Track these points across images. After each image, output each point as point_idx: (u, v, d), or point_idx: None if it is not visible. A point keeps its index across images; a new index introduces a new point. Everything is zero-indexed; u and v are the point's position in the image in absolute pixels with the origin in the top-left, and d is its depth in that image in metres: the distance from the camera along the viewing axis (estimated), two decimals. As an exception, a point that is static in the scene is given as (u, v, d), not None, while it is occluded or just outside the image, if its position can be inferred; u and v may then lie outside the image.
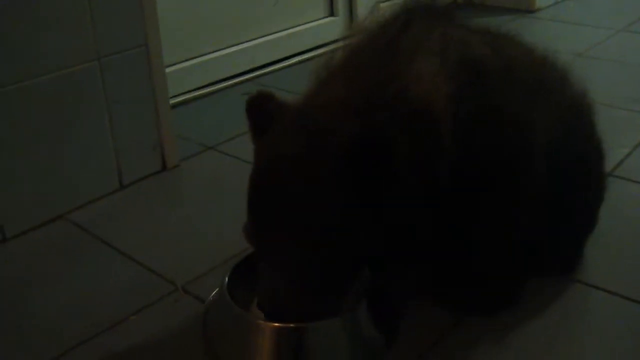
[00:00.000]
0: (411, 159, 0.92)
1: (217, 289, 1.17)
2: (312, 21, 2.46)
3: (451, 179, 0.97)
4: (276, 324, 1.03)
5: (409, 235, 1.01)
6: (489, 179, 1.02)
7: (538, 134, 1.06)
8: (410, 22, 1.04)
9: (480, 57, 1.03)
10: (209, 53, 2.18)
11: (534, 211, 1.08)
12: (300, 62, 2.36)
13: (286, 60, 2.36)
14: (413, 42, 1.01)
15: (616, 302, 1.18)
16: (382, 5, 1.32)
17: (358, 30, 1.10)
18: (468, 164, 0.98)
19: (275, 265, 0.98)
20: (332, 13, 2.51)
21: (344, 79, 1.00)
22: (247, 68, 2.26)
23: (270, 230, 0.96)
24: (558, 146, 1.09)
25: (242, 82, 2.19)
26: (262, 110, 1.02)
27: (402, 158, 0.90)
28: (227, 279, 1.13)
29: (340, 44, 1.09)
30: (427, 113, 0.95)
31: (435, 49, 1.00)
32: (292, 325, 1.04)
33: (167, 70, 1.69)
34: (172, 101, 1.87)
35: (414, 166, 0.93)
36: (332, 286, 1.01)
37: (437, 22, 1.07)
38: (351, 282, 1.04)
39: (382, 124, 0.90)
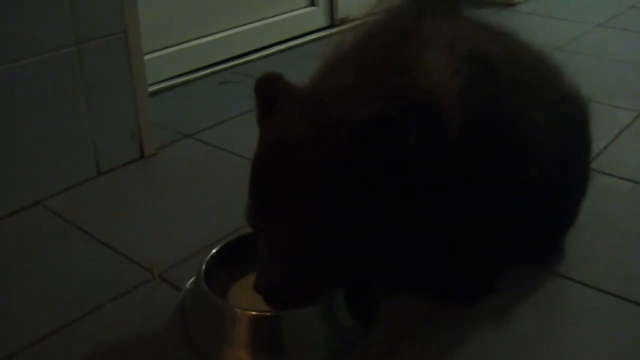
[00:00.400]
0: (417, 149, 0.92)
1: (194, 277, 1.17)
2: (292, 10, 2.45)
3: (456, 171, 0.98)
4: (253, 312, 1.04)
5: (402, 224, 1.01)
6: (488, 173, 1.03)
7: (538, 129, 1.07)
8: (422, 13, 1.05)
9: (486, 53, 1.04)
10: (188, 41, 2.16)
11: (524, 204, 1.08)
12: (279, 51, 2.35)
13: (265, 50, 2.35)
14: (424, 35, 1.02)
15: (591, 294, 1.19)
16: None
17: (367, 17, 1.10)
18: (469, 158, 0.99)
19: (274, 249, 0.98)
20: (312, 3, 2.51)
21: (354, 66, 1.00)
22: (226, 57, 2.25)
23: (272, 213, 0.95)
24: (551, 141, 1.10)
25: (220, 71, 2.18)
26: (269, 91, 1.01)
27: (409, 145, 0.90)
28: (204, 267, 1.12)
29: (348, 28, 1.09)
30: (435, 105, 0.96)
31: (445, 43, 1.01)
32: (268, 313, 1.04)
33: (146, 57, 1.68)
34: (151, 89, 1.86)
35: (420, 156, 0.93)
36: (331, 271, 1.01)
37: (446, 15, 1.07)
38: (352, 269, 1.04)
39: (391, 112, 0.89)
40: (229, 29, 2.27)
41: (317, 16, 2.49)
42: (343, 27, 1.08)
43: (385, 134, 0.88)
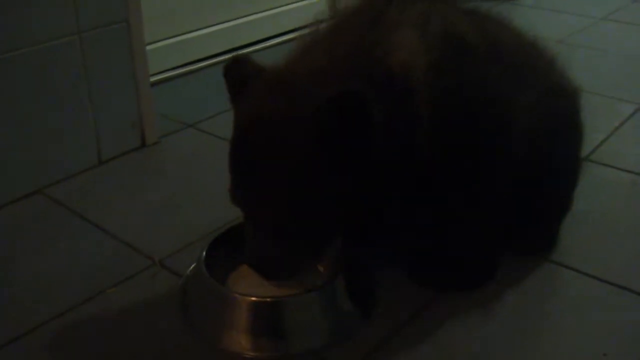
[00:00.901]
0: (387, 125, 0.93)
1: (194, 264, 1.18)
2: (294, 2, 2.45)
3: (428, 149, 0.98)
4: (253, 298, 1.04)
5: (385, 203, 1.01)
6: (465, 153, 1.03)
7: (518, 113, 1.06)
8: None
9: (462, 33, 1.04)
10: (191, 31, 2.16)
11: (510, 189, 1.09)
12: (281, 43, 2.35)
13: (267, 41, 2.35)
14: (396, 15, 1.02)
15: (587, 282, 1.20)
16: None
17: (343, 9, 1.11)
18: (445, 136, 0.99)
19: (259, 223, 1.01)
20: (315, -6, 2.51)
21: (326, 48, 1.01)
22: (228, 48, 2.24)
23: (252, 190, 0.98)
24: (539, 128, 1.10)
25: (222, 62, 2.17)
26: (239, 72, 1.04)
27: (377, 120, 0.91)
28: (204, 253, 1.13)
29: (322, 21, 1.10)
30: (404, 80, 0.96)
31: (418, 22, 1.02)
32: (268, 299, 1.05)
33: (148, 47, 1.68)
34: (153, 79, 1.86)
35: (390, 132, 0.95)
36: (310, 244, 1.03)
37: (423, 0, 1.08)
38: (330, 242, 1.06)
39: (359, 88, 0.90)
40: (232, 20, 2.27)
41: (319, 7, 2.48)
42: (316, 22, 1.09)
43: (352, 109, 0.90)
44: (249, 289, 1.07)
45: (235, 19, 2.28)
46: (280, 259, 1.02)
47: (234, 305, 1.05)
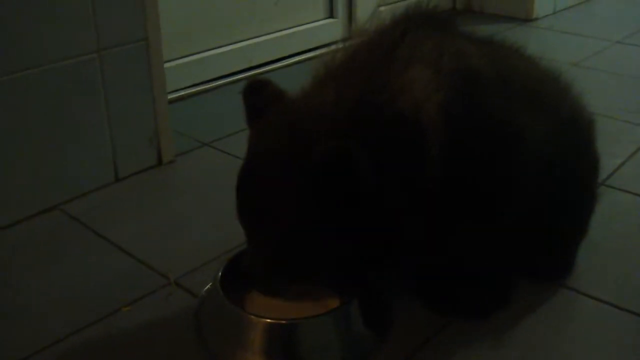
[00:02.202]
0: (394, 168, 0.96)
1: (210, 284, 1.18)
2: (311, 22, 2.46)
3: (440, 185, 0.98)
4: (268, 320, 1.04)
5: (395, 238, 1.02)
6: (478, 187, 1.03)
7: (531, 145, 1.06)
8: (408, 30, 1.05)
9: (475, 67, 1.04)
10: (208, 50, 2.18)
11: (525, 216, 1.08)
12: (298, 62, 2.36)
13: (284, 60, 2.37)
14: (408, 51, 1.02)
15: (605, 310, 1.19)
16: (382, 9, 1.33)
17: (358, 33, 1.11)
18: (458, 171, 0.99)
19: (252, 242, 1.06)
20: (331, 14, 2.52)
21: (337, 84, 1.02)
22: (246, 66, 2.26)
23: (251, 219, 1.03)
24: (553, 158, 1.10)
25: (239, 80, 2.19)
26: (258, 95, 1.06)
27: (368, 182, 0.93)
28: (220, 273, 1.13)
29: (340, 45, 1.10)
30: (416, 123, 0.97)
31: (430, 58, 1.01)
32: (283, 321, 1.05)
33: (166, 65, 1.70)
34: (170, 96, 1.88)
35: (398, 176, 0.96)
36: (307, 271, 1.06)
37: (435, 31, 1.08)
38: (328, 271, 1.07)
39: (356, 145, 0.91)
40: (249, 39, 2.28)
41: (336, 28, 2.50)
42: (335, 45, 1.10)
43: (340, 169, 0.92)
44: (265, 310, 1.07)
45: (252, 38, 2.30)
46: (274, 276, 1.06)
47: (248, 327, 1.05)
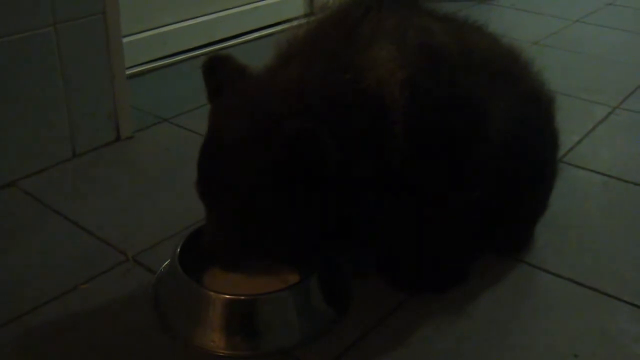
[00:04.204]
0: (358, 145, 0.96)
1: (168, 260, 1.17)
2: (273, -3, 2.45)
3: (402, 162, 0.99)
4: (227, 295, 1.04)
5: (356, 213, 1.02)
6: (440, 162, 1.03)
7: (492, 121, 1.07)
8: (371, 6, 1.05)
9: (439, 44, 1.04)
10: (168, 24, 2.15)
11: (485, 193, 1.09)
12: (260, 37, 2.34)
13: (246, 35, 2.35)
14: (372, 28, 1.02)
15: (561, 284, 1.21)
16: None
17: (321, 9, 1.11)
18: (419, 148, 1.00)
19: (212, 216, 1.05)
20: (294, -10, 2.51)
21: (301, 62, 1.01)
22: (207, 41, 2.24)
23: (212, 194, 1.03)
24: (513, 134, 1.11)
25: (200, 56, 2.17)
26: (219, 71, 1.05)
27: (330, 161, 0.93)
28: (178, 250, 1.13)
29: (302, 20, 1.10)
30: (379, 100, 0.97)
31: (394, 35, 1.01)
32: (242, 297, 1.04)
33: (125, 40, 1.67)
34: (129, 72, 1.85)
35: (362, 154, 0.97)
36: (267, 246, 1.06)
37: (399, 8, 1.07)
38: (288, 246, 1.07)
39: (319, 123, 0.92)
40: (210, 14, 2.26)
41: (299, 3, 2.48)
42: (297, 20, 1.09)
43: (303, 149, 0.92)
44: (224, 286, 1.07)
45: (213, 13, 2.27)
46: (233, 251, 1.06)
47: (207, 303, 1.05)
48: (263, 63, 1.07)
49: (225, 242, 1.04)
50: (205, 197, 1.04)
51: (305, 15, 1.11)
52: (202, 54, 2.17)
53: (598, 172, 1.57)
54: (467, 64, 1.05)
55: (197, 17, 2.23)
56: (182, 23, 2.18)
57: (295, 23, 1.09)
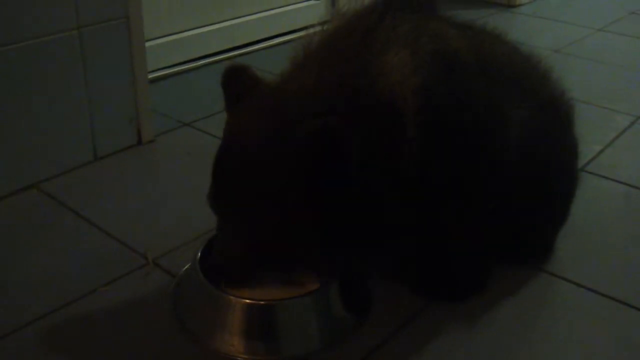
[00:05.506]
0: (375, 151, 0.95)
1: (188, 264, 1.18)
2: (294, 3, 2.45)
3: (418, 169, 0.98)
4: (246, 300, 1.04)
5: (375, 220, 1.02)
6: (455, 172, 1.03)
7: (511, 129, 1.07)
8: (386, 12, 1.05)
9: (453, 49, 1.04)
10: (190, 30, 2.16)
11: (504, 201, 1.09)
12: (280, 43, 2.35)
13: (266, 42, 2.35)
14: (386, 34, 1.02)
15: (582, 294, 1.20)
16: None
17: (337, 16, 1.11)
18: (434, 155, 0.99)
19: (227, 230, 1.04)
20: (314, -4, 2.51)
21: (317, 67, 1.01)
22: (227, 47, 2.24)
23: (228, 205, 1.01)
24: (532, 142, 1.10)
25: (221, 61, 2.18)
26: (237, 81, 1.06)
27: (354, 154, 0.92)
28: (199, 254, 1.13)
29: (318, 28, 1.10)
30: (392, 106, 0.97)
31: (408, 40, 1.01)
32: (262, 302, 1.04)
33: (147, 44, 1.68)
34: (151, 76, 1.86)
35: (378, 158, 0.96)
36: (282, 257, 1.04)
37: (414, 15, 1.07)
38: (304, 257, 1.06)
39: (342, 122, 0.91)
40: (232, 19, 2.27)
41: (319, 10, 2.49)
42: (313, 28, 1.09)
43: (328, 147, 0.91)
44: (245, 291, 1.07)
45: (235, 18, 2.28)
46: (243, 269, 1.05)
47: (227, 307, 1.05)
48: (282, 69, 1.07)
49: (243, 256, 1.03)
50: (223, 209, 1.03)
51: (321, 23, 1.11)
52: (223, 59, 2.18)
53: (620, 182, 1.56)
54: (483, 71, 1.05)
55: (218, 22, 2.24)
56: (204, 28, 2.19)
57: (310, 30, 1.09)
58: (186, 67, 2.12)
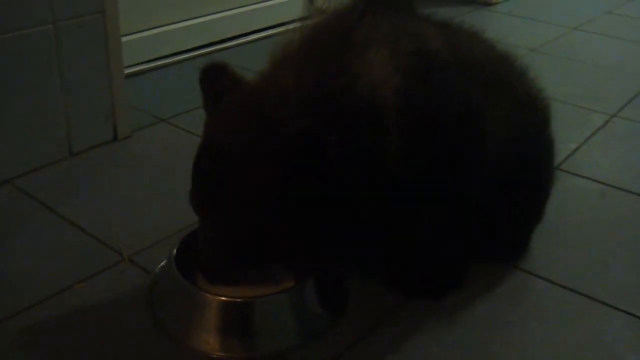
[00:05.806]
0: (354, 153, 0.95)
1: (164, 261, 1.17)
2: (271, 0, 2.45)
3: (398, 169, 0.99)
4: (223, 298, 1.04)
5: (355, 220, 1.02)
6: (435, 171, 1.03)
7: (488, 127, 1.07)
8: (366, 11, 1.05)
9: (433, 50, 1.04)
10: (167, 24, 2.15)
11: (481, 199, 1.09)
12: (258, 39, 2.34)
13: (244, 37, 2.35)
14: (366, 33, 1.01)
15: (556, 290, 1.21)
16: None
17: (316, 14, 1.10)
18: (415, 155, 0.99)
19: (210, 232, 1.02)
20: (292, -8, 2.51)
21: (296, 67, 1.00)
22: (205, 42, 2.24)
23: (208, 201, 1.00)
24: (510, 140, 1.11)
25: (198, 56, 2.17)
26: (215, 80, 1.04)
27: (333, 162, 0.92)
28: (174, 251, 1.12)
29: (298, 25, 1.09)
30: (372, 106, 0.96)
31: (388, 41, 1.01)
32: (238, 299, 1.04)
33: (124, 39, 1.67)
34: (127, 71, 1.85)
35: (358, 159, 0.96)
36: (262, 258, 1.03)
37: (393, 13, 1.07)
38: (284, 258, 1.05)
39: (320, 125, 0.91)
40: (208, 15, 2.26)
41: (298, 5, 2.48)
42: (292, 25, 1.08)
43: (305, 150, 0.91)
44: (219, 288, 1.07)
45: (212, 14, 2.27)
46: (226, 268, 1.03)
47: (203, 305, 1.05)
48: (261, 65, 1.06)
49: (225, 254, 1.02)
50: (202, 208, 1.02)
51: (300, 20, 1.11)
52: (201, 55, 2.17)
53: (595, 180, 1.57)
54: (462, 70, 1.05)
55: (195, 17, 2.23)
56: (181, 23, 2.18)
57: (290, 27, 1.09)
58: (163, 62, 2.11)
